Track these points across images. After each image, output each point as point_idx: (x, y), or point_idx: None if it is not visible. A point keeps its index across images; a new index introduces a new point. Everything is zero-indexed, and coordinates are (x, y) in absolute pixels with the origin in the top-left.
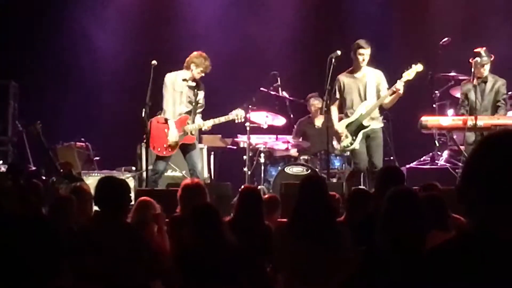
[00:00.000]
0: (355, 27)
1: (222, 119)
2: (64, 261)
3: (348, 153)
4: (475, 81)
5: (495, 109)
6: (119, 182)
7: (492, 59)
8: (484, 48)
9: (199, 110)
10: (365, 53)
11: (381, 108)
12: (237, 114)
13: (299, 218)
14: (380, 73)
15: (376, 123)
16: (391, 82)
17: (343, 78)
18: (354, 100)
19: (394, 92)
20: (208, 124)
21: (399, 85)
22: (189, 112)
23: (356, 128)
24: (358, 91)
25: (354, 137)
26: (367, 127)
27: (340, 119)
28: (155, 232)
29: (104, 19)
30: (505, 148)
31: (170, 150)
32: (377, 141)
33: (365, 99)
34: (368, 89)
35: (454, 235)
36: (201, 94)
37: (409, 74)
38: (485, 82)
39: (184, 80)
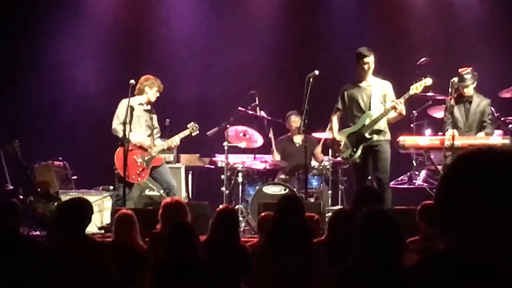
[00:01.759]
0: (333, 47)
1: (181, 134)
2: (44, 278)
3: (326, 172)
4: (453, 101)
5: (479, 129)
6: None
7: (476, 76)
8: (470, 68)
9: (156, 133)
10: (369, 61)
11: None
12: (191, 127)
13: (276, 238)
14: (387, 84)
15: (380, 136)
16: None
17: (347, 88)
18: (357, 110)
19: (395, 108)
20: (166, 144)
21: (398, 104)
22: (149, 136)
23: (357, 139)
24: (362, 101)
25: (354, 149)
26: (368, 139)
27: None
28: None
29: (81, 40)
30: (479, 165)
31: (144, 175)
32: (381, 155)
33: (369, 109)
34: (373, 100)
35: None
36: (155, 118)
37: (417, 88)
38: (470, 102)
39: (140, 104)
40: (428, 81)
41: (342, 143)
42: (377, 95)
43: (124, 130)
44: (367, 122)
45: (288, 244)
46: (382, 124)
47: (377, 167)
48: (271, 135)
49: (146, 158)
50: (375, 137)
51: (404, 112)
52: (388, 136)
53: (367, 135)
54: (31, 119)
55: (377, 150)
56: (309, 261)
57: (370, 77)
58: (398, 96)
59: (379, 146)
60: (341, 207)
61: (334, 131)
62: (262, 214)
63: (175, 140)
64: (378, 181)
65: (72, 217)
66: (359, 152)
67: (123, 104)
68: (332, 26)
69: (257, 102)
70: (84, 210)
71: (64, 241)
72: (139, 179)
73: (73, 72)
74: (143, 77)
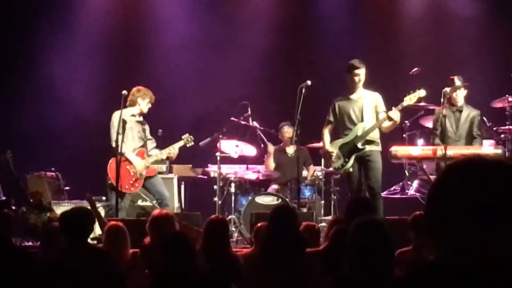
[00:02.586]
0: (325, 57)
1: (177, 145)
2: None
3: (318, 182)
4: (444, 111)
5: (469, 140)
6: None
7: (466, 85)
8: (459, 76)
9: (151, 143)
10: (360, 73)
11: (381, 132)
12: (186, 138)
13: (269, 248)
14: (377, 96)
15: (372, 146)
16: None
17: (338, 100)
18: (349, 122)
19: (390, 119)
20: (163, 154)
21: (392, 114)
22: (142, 147)
23: (349, 149)
24: (354, 113)
25: (346, 159)
26: (360, 150)
27: None
28: None
29: (71, 47)
30: (470, 174)
31: (137, 185)
32: (373, 164)
33: (362, 121)
34: (365, 112)
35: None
36: (147, 129)
37: (410, 99)
38: (460, 112)
39: (133, 115)
40: (422, 92)
41: (334, 154)
42: (369, 107)
43: (117, 141)
44: (359, 132)
45: (280, 254)
46: (375, 135)
47: (368, 177)
48: (270, 148)
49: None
50: (367, 147)
51: (399, 120)
52: (380, 147)
53: (359, 145)
54: (24, 129)
55: (369, 160)
56: (302, 272)
57: (361, 89)
58: (388, 106)
59: (371, 156)
60: (333, 217)
61: (326, 143)
62: (258, 225)
63: (174, 149)
64: (370, 191)
65: (76, 225)
66: (351, 162)
67: (116, 116)
68: (324, 35)
69: (249, 113)
70: (88, 218)
71: (66, 249)
72: (132, 189)
73: (65, 82)
74: (135, 89)
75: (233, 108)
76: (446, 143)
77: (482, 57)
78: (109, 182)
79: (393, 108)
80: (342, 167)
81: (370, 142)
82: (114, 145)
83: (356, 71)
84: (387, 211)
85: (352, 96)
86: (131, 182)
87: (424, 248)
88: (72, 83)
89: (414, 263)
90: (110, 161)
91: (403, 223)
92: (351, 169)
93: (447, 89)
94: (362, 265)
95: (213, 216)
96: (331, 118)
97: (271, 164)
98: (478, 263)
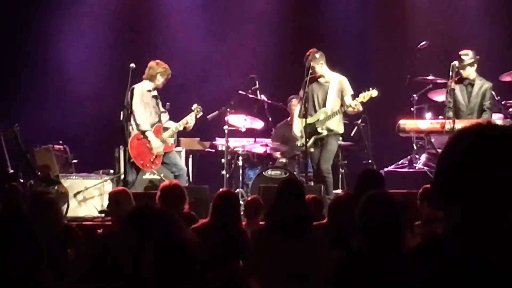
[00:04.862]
0: (334, 32)
1: (191, 116)
2: (44, 259)
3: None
4: (453, 85)
5: (481, 113)
6: None
7: (477, 59)
8: (471, 51)
9: (165, 116)
10: (314, 65)
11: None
12: (196, 109)
13: (275, 221)
14: (344, 80)
15: (330, 132)
16: (369, 84)
17: (310, 81)
18: (314, 105)
19: (352, 108)
20: (181, 126)
21: (354, 104)
22: (158, 121)
23: (311, 131)
24: (318, 98)
25: (307, 139)
26: (319, 134)
27: None
28: None
29: (80, 24)
30: (479, 142)
31: (157, 162)
32: (326, 146)
33: (324, 106)
34: (329, 96)
35: (431, 237)
36: (160, 102)
37: (363, 97)
38: (472, 85)
39: (149, 91)
40: (374, 93)
41: (298, 132)
42: (333, 91)
43: (124, 114)
44: (321, 117)
45: (288, 228)
46: (335, 121)
47: (320, 157)
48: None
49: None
50: (325, 132)
51: (361, 109)
52: (338, 132)
53: (319, 129)
54: (32, 103)
55: (324, 142)
56: (309, 246)
57: (328, 73)
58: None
59: (327, 139)
60: (341, 191)
61: (294, 120)
62: (249, 199)
63: (190, 120)
64: (318, 171)
65: None
66: (310, 142)
67: (135, 96)
68: (334, 9)
69: (257, 86)
70: None
71: None
72: (153, 166)
73: (74, 56)
74: (155, 63)
75: (241, 81)
76: (458, 116)
77: (491, 30)
78: (131, 160)
79: (356, 99)
80: (302, 146)
81: (330, 129)
82: (140, 121)
83: (312, 63)
84: (395, 184)
85: (320, 80)
86: (151, 159)
87: (437, 221)
88: (80, 58)
89: (424, 236)
90: (130, 139)
91: (411, 197)
92: (312, 150)
93: (456, 63)
94: (371, 239)
95: (221, 189)
96: (302, 95)
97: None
98: (487, 237)
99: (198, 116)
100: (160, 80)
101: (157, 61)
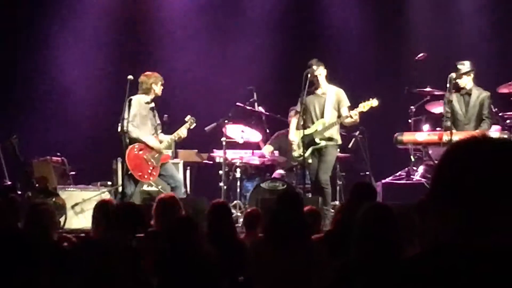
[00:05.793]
0: (331, 42)
1: (183, 128)
2: (41, 273)
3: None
4: (451, 96)
5: (479, 122)
6: None
7: (468, 71)
8: (468, 61)
9: (159, 129)
10: (317, 74)
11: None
12: (189, 120)
13: (274, 232)
14: (340, 92)
15: (328, 142)
16: (367, 96)
17: (307, 94)
18: (311, 116)
19: (351, 117)
20: (175, 136)
21: (353, 114)
22: (154, 133)
23: (308, 142)
24: (316, 109)
25: (305, 150)
26: (317, 144)
27: None
28: None
29: (77, 33)
30: (474, 153)
31: (154, 173)
32: (325, 157)
33: (322, 116)
34: (326, 108)
35: (428, 246)
36: (156, 114)
37: (364, 107)
38: (469, 94)
39: (147, 103)
40: (374, 102)
41: (295, 144)
42: (330, 103)
43: (122, 126)
44: (319, 128)
45: (287, 240)
46: (333, 132)
47: (319, 168)
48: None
49: (155, 156)
50: (324, 143)
51: (358, 120)
52: (337, 142)
53: (317, 140)
54: (30, 114)
55: (323, 153)
56: (308, 256)
57: (325, 85)
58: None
59: (325, 149)
60: (339, 202)
61: (291, 132)
62: (248, 210)
63: (183, 132)
64: (317, 182)
65: None
66: (308, 153)
67: (135, 104)
68: (331, 20)
69: (255, 98)
70: None
71: None
72: (151, 178)
73: (71, 68)
74: (145, 76)
75: (238, 93)
76: (456, 126)
77: (489, 42)
78: (129, 172)
79: (354, 109)
80: (299, 157)
81: (328, 139)
82: (132, 133)
83: (314, 72)
84: (393, 196)
85: (317, 91)
86: (149, 171)
87: (429, 232)
88: (78, 69)
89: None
90: (128, 151)
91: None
92: (310, 160)
93: (453, 75)
94: (369, 249)
95: (214, 200)
96: (298, 109)
97: (267, 148)
98: (485, 244)
99: (191, 127)
100: (156, 89)
101: (146, 73)
